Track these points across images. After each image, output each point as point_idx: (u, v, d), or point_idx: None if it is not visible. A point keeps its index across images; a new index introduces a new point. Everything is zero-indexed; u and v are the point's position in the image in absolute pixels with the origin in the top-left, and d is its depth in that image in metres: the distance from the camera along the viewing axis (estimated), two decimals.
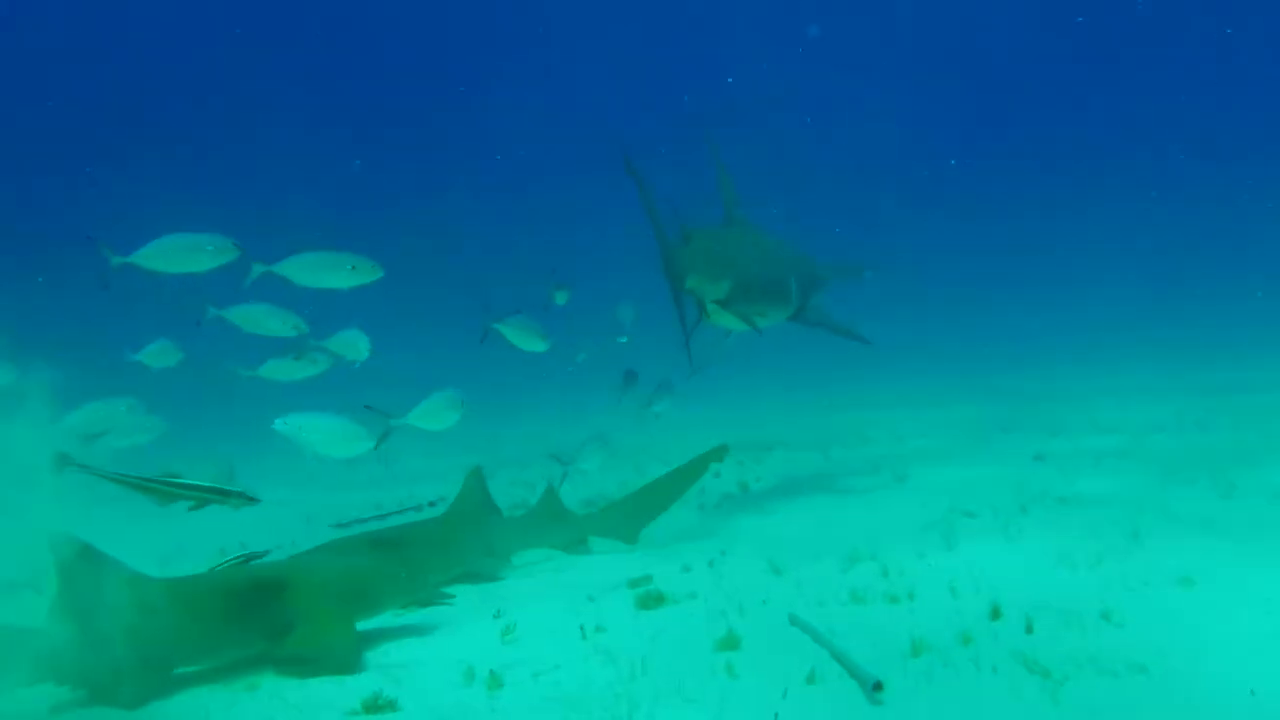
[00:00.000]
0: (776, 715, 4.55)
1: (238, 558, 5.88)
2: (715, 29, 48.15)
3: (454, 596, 6.67)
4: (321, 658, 5.53)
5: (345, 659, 5.54)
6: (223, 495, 5.54)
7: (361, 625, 5.92)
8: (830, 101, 48.55)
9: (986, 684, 4.75)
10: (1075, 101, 51.93)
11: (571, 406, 17.30)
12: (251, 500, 5.62)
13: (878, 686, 4.68)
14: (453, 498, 8.00)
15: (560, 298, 10.19)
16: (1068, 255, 40.69)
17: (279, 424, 6.62)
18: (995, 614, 5.66)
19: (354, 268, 7.25)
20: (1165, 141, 48.62)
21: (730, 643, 5.46)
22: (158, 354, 8.21)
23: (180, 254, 6.89)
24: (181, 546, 8.36)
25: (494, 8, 47.23)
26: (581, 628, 5.90)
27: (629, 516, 8.39)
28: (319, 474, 12.33)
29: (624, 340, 10.93)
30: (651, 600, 6.41)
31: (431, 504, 6.69)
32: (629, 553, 8.05)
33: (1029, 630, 5.38)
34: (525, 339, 8.85)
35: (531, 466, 12.96)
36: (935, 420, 15.82)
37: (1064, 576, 6.48)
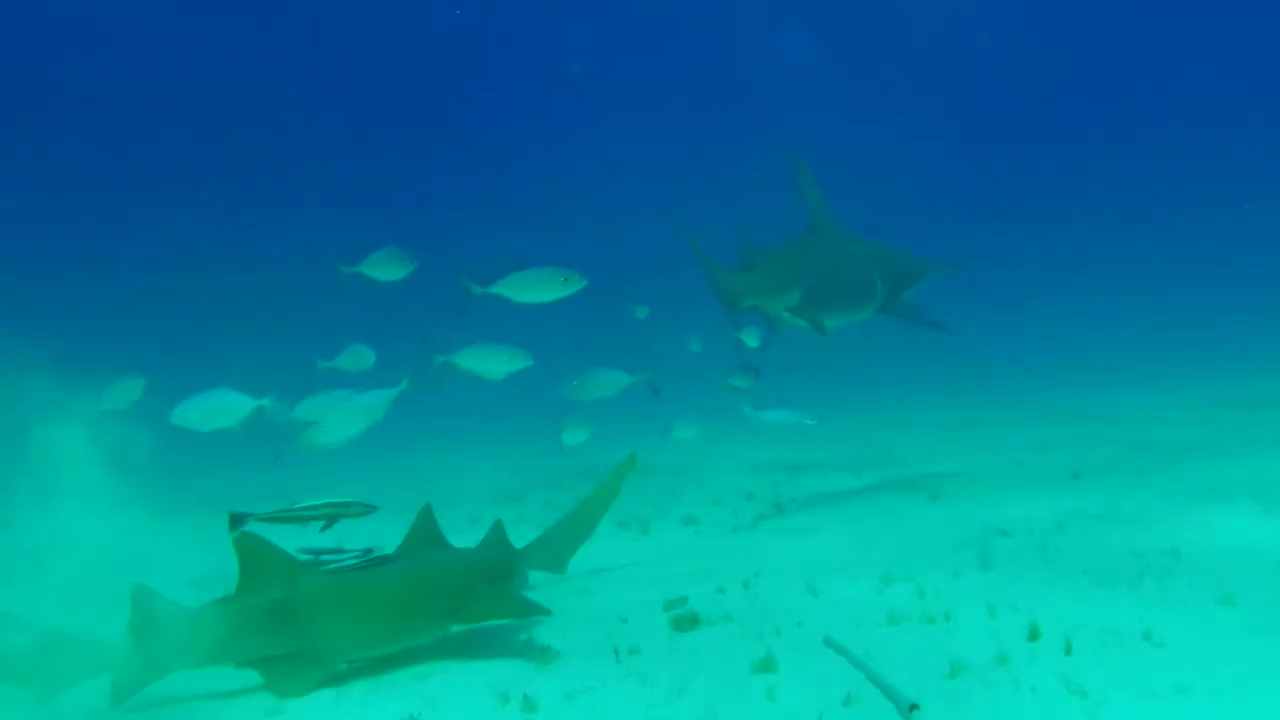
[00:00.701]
0: None
1: (360, 558, 6.38)
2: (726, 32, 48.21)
3: None
4: (499, 615, 6.41)
5: (520, 608, 6.41)
6: (345, 509, 6.20)
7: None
8: (848, 105, 48.43)
9: (1025, 705, 4.70)
10: (1094, 107, 51.59)
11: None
12: (369, 508, 6.26)
13: (914, 708, 4.65)
14: (402, 539, 7.45)
15: (641, 312, 10.70)
16: (1081, 267, 40.32)
17: (173, 417, 6.87)
18: (1034, 634, 5.60)
19: (565, 280, 7.60)
20: (1184, 149, 48.13)
21: (766, 665, 5.43)
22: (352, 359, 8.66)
23: (536, 287, 7.75)
24: (220, 569, 8.41)
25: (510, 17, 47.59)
26: (616, 650, 5.89)
27: (557, 546, 8.05)
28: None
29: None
30: (686, 622, 6.39)
31: (367, 551, 6.66)
32: (662, 573, 8.02)
33: (1068, 651, 5.32)
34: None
35: (564, 489, 13.00)
36: (966, 439, 15.72)
37: (1103, 595, 6.40)
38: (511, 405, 11.44)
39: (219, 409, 7.05)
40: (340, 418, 7.41)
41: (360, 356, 8.64)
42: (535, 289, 7.71)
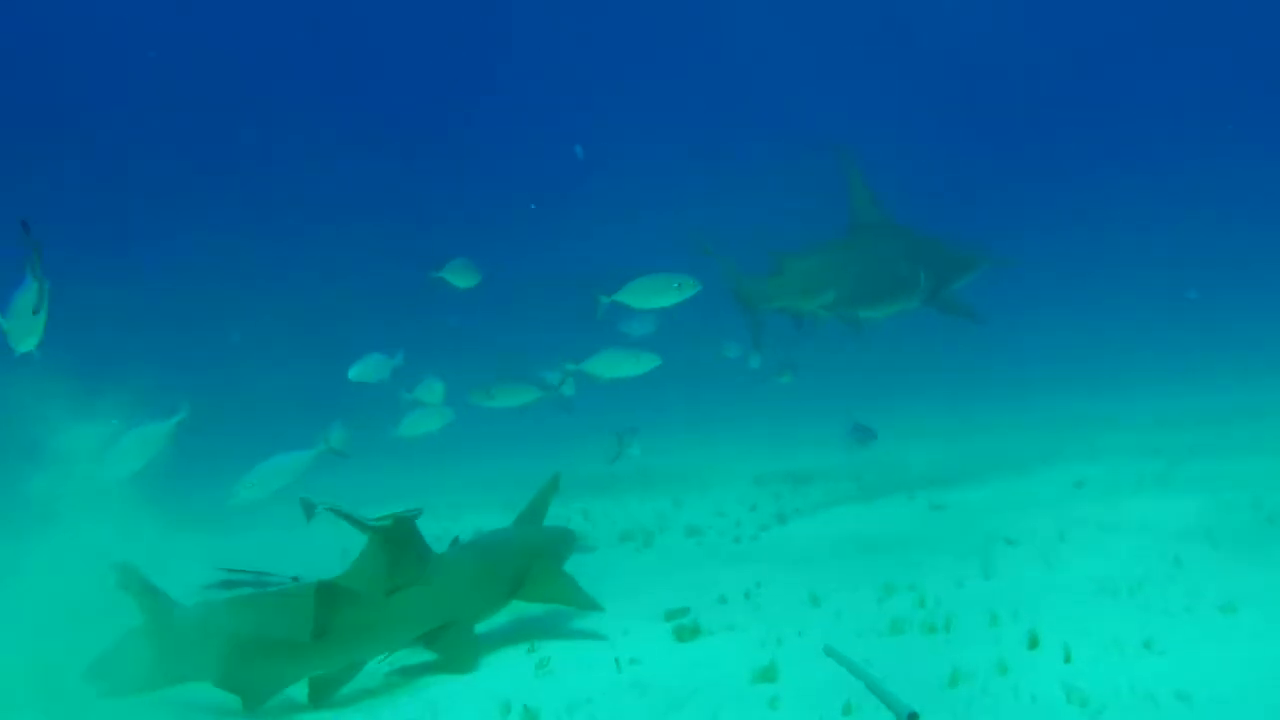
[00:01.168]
0: None
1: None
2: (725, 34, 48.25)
3: None
4: (553, 598, 6.71)
5: (576, 597, 6.62)
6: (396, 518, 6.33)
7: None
8: (848, 108, 48.44)
9: (1025, 713, 4.71)
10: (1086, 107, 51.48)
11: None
12: (417, 512, 6.38)
13: (913, 717, 4.64)
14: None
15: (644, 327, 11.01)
16: (1081, 273, 40.19)
17: (104, 474, 6.81)
18: (1034, 642, 5.61)
19: (680, 285, 7.95)
20: (1185, 150, 48.02)
21: (768, 674, 5.44)
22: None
23: (652, 292, 8.33)
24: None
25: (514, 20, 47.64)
26: (616, 660, 5.90)
27: None
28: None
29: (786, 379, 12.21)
30: (687, 632, 6.40)
31: (295, 579, 6.66)
32: (664, 583, 8.01)
33: (1068, 659, 5.33)
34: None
35: (570, 499, 12.99)
36: (968, 447, 15.68)
37: (1104, 603, 6.40)
38: (513, 412, 11.41)
39: (142, 444, 7.01)
40: (260, 474, 7.44)
41: (378, 366, 9.02)
42: (652, 295, 8.23)
